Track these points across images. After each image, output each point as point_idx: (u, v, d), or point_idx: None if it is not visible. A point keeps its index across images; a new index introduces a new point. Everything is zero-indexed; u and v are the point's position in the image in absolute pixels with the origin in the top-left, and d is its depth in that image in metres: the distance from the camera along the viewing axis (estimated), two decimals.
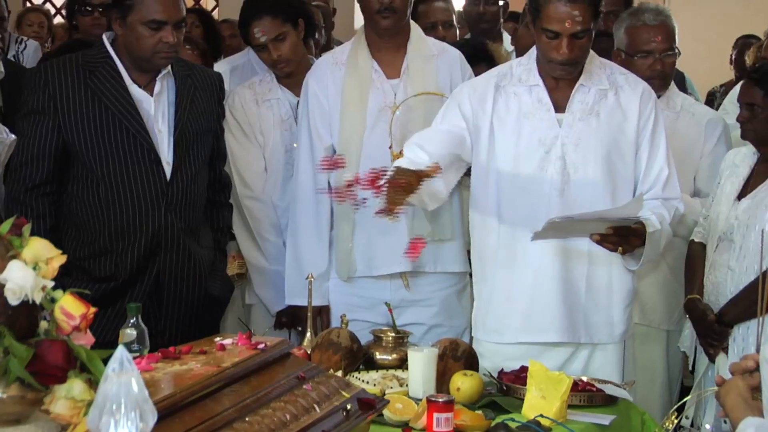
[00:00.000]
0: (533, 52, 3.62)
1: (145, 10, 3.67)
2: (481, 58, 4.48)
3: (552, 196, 3.51)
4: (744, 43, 7.70)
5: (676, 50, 4.15)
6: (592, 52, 3.59)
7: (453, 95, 3.70)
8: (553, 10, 3.39)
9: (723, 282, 3.81)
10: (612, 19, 4.86)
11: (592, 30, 3.45)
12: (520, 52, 5.17)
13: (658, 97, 4.04)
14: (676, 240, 4.09)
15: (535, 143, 3.54)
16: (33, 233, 2.01)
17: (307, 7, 4.56)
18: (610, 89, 3.58)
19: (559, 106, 3.57)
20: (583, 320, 3.58)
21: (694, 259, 4.01)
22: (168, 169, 3.77)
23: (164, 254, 3.77)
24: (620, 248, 3.40)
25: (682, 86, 5.04)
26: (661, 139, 3.60)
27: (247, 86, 4.48)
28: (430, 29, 4.97)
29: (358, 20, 4.36)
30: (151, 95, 3.78)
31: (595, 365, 3.58)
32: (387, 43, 4.04)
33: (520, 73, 3.61)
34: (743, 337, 3.75)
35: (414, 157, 3.36)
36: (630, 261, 3.53)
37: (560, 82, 3.56)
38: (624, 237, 3.39)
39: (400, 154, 3.82)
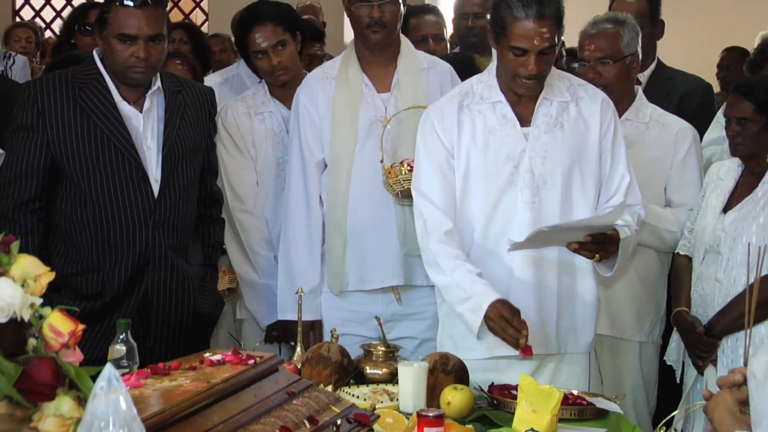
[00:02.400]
0: (492, 68, 3.64)
1: (116, 25, 3.68)
2: (468, 72, 4.49)
3: (523, 208, 3.53)
4: (726, 56, 7.71)
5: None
6: None
7: (424, 120, 3.68)
8: (520, 28, 3.41)
9: (711, 294, 3.82)
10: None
11: (556, 45, 3.48)
12: None
13: (626, 108, 4.13)
14: (646, 251, 4.13)
15: (503, 158, 3.56)
16: (21, 250, 2.01)
17: (304, 24, 4.57)
18: (571, 101, 3.62)
19: (524, 120, 3.59)
20: (555, 331, 3.60)
21: (680, 272, 4.02)
22: (156, 187, 3.76)
23: (152, 272, 3.77)
24: (597, 255, 3.44)
25: (711, 99, 5.02)
26: (620, 147, 3.64)
27: (239, 99, 4.49)
28: (420, 42, 4.97)
29: (348, 35, 4.36)
30: (141, 111, 3.78)
31: (563, 376, 3.60)
32: (377, 57, 4.05)
33: (482, 91, 3.63)
34: (732, 349, 3.75)
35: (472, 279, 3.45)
36: (603, 268, 3.56)
37: (522, 96, 3.58)
38: (601, 244, 3.43)
39: (392, 167, 3.84)
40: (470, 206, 3.59)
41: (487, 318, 3.39)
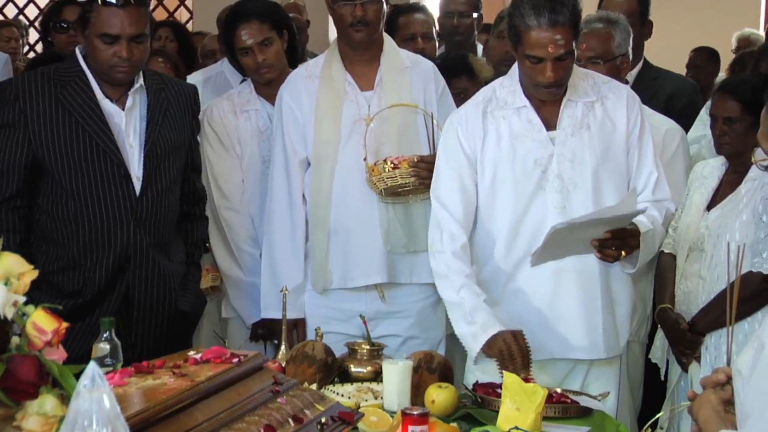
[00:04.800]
0: (515, 72, 3.60)
1: (99, 24, 3.66)
2: (461, 71, 4.49)
3: (554, 214, 3.48)
4: (695, 56, 7.73)
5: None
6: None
7: (448, 128, 3.66)
8: (534, 36, 3.37)
9: (694, 291, 3.83)
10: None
11: (574, 50, 3.44)
12: (491, 63, 5.20)
13: None
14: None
15: (531, 164, 3.53)
16: (2, 248, 2.00)
17: (292, 23, 4.56)
18: (597, 101, 3.59)
19: (550, 124, 3.56)
20: (600, 337, 3.58)
21: (665, 269, 4.03)
22: (138, 185, 3.75)
23: (133, 270, 3.76)
24: (622, 252, 3.41)
25: (697, 99, 5.02)
26: (648, 142, 3.62)
27: (225, 98, 4.49)
28: (409, 41, 4.98)
29: (332, 33, 4.36)
30: (123, 109, 3.77)
31: (593, 378, 3.61)
32: (360, 55, 4.05)
33: (505, 96, 3.60)
34: (715, 346, 3.76)
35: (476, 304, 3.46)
36: (627, 265, 3.54)
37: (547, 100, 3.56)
38: (622, 240, 3.41)
39: (375, 165, 3.84)
40: (498, 215, 3.56)
41: (489, 346, 3.38)
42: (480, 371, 3.51)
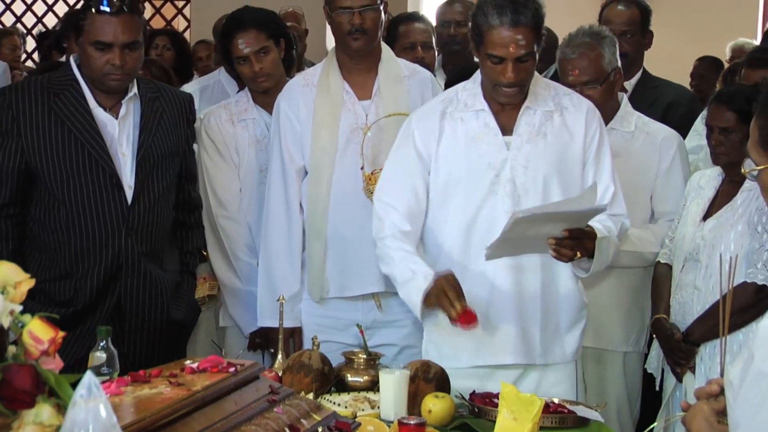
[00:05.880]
0: (477, 76, 3.62)
1: (92, 31, 3.66)
2: None
3: (504, 218, 3.45)
4: (699, 65, 7.74)
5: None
6: (536, 73, 3.60)
7: (405, 128, 3.68)
8: (496, 35, 3.39)
9: (689, 301, 3.83)
10: (628, 39, 4.89)
11: (536, 53, 3.46)
12: None
13: (610, 117, 4.12)
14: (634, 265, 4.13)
15: (484, 167, 3.54)
16: None
17: (289, 32, 4.56)
18: (556, 111, 3.60)
19: (506, 129, 3.57)
20: (537, 341, 3.58)
21: (660, 279, 4.04)
22: (129, 193, 3.75)
23: (125, 279, 3.76)
24: (578, 253, 3.38)
25: (696, 108, 5.00)
26: (605, 157, 3.62)
27: (222, 106, 4.50)
28: (409, 50, 5.00)
29: (331, 42, 4.36)
30: (117, 118, 3.77)
31: (547, 384, 3.59)
32: (358, 64, 4.05)
33: (466, 99, 3.62)
34: (710, 356, 3.77)
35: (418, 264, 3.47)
36: (579, 269, 3.53)
37: (506, 105, 3.57)
38: (578, 240, 3.38)
39: (372, 174, 3.84)
40: (449, 215, 3.58)
41: (426, 298, 3.38)
42: (434, 346, 3.60)
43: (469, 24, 3.54)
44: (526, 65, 3.45)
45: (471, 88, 3.64)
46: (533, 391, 3.39)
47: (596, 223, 3.46)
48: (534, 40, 3.42)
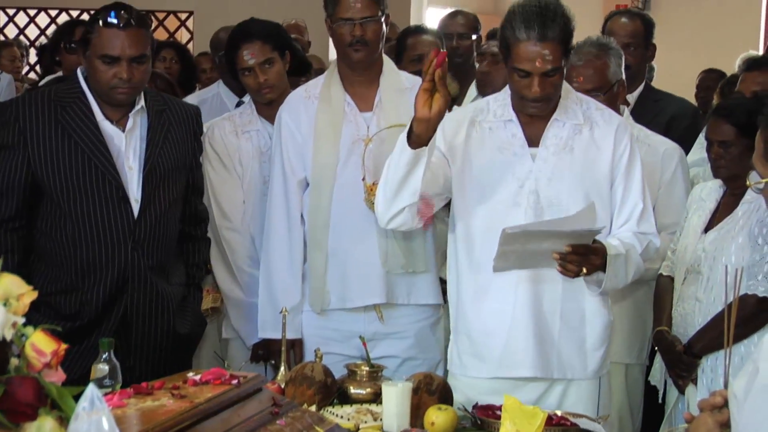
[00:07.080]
0: (508, 87, 3.60)
1: (100, 45, 3.67)
2: None
3: None
4: (705, 78, 7.76)
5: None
6: (568, 86, 3.59)
7: None
8: (523, 49, 3.36)
9: (691, 313, 3.83)
10: (631, 51, 4.89)
11: (563, 67, 3.43)
12: (480, 86, 5.23)
13: None
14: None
15: (508, 177, 3.52)
16: (1, 268, 2.00)
17: (294, 43, 4.57)
18: (585, 124, 3.56)
19: (534, 141, 3.54)
20: (556, 356, 3.54)
21: (662, 291, 4.04)
22: (136, 207, 3.75)
23: (131, 292, 3.76)
24: (584, 269, 3.34)
25: (699, 122, 4.99)
26: (636, 174, 3.57)
27: (226, 118, 4.51)
28: (417, 62, 5.00)
29: (333, 54, 4.37)
30: (123, 131, 3.77)
31: (570, 401, 3.54)
32: (360, 76, 4.06)
33: (496, 108, 3.59)
34: (712, 368, 3.77)
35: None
36: (592, 285, 3.50)
37: (534, 117, 3.54)
38: (584, 256, 3.34)
39: (374, 185, 3.84)
40: (471, 224, 3.55)
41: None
42: (457, 355, 3.59)
43: (498, 34, 3.51)
44: (553, 80, 3.42)
45: (502, 98, 3.61)
46: (556, 407, 3.39)
47: (614, 240, 3.45)
48: (562, 55, 3.38)
